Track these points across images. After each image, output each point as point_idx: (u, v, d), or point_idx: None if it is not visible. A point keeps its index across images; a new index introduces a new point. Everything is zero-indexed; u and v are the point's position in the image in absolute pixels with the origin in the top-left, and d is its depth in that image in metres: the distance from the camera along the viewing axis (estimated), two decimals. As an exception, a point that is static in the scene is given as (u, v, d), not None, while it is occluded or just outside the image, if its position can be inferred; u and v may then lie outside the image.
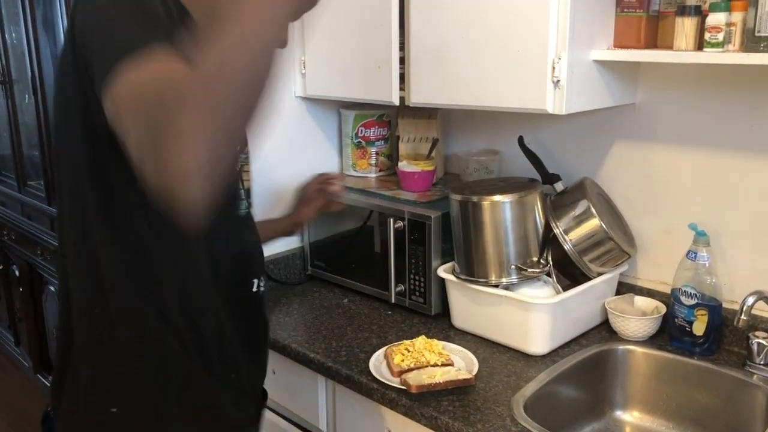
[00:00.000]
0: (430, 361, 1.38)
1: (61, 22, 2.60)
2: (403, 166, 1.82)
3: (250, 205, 1.18)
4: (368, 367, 1.41)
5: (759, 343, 1.38)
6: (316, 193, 1.62)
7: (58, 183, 1.00)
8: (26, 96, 3.11)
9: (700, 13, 1.30)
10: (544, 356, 1.46)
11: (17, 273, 3.26)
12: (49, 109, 2.94)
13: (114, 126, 0.78)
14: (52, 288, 2.95)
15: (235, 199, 1.07)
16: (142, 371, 0.98)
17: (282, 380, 1.63)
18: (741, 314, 1.33)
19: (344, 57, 1.75)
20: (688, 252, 1.46)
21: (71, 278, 0.99)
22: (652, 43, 1.41)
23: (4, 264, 3.42)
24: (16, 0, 2.92)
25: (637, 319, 1.51)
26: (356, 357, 1.47)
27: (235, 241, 1.07)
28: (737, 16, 1.25)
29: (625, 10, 1.41)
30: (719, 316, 1.45)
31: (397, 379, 1.35)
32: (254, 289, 1.11)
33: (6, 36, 3.17)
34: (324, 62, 1.79)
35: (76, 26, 0.88)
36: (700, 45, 1.30)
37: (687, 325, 1.46)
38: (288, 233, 1.67)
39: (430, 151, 1.85)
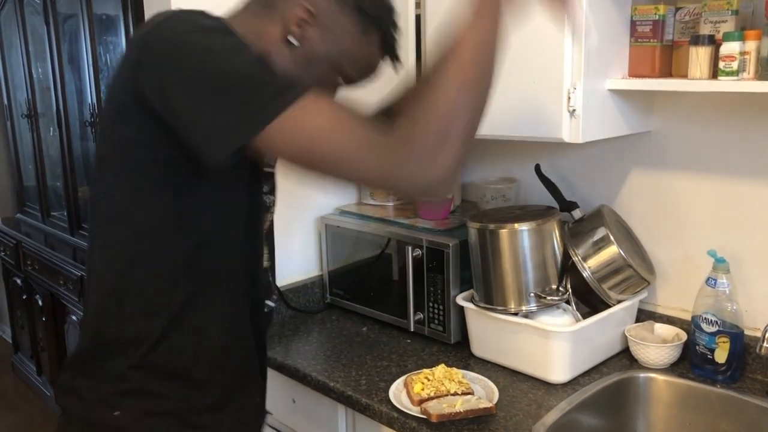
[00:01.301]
0: (450, 389, 1.38)
1: (86, 59, 2.67)
2: (421, 194, 1.84)
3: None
4: (388, 396, 1.41)
5: (782, 371, 1.36)
6: None
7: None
8: (51, 129, 3.18)
9: (713, 42, 1.31)
10: (564, 384, 1.46)
11: (40, 303, 3.30)
12: (74, 139, 3.00)
13: (298, 154, 0.86)
14: (74, 318, 2.98)
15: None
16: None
17: (302, 409, 1.64)
18: (763, 341, 1.32)
19: (363, 89, 1.78)
20: (708, 279, 1.46)
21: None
22: (667, 72, 1.43)
23: (28, 294, 3.46)
24: (43, 37, 3.01)
25: (657, 346, 1.50)
26: (376, 386, 1.47)
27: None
28: (751, 45, 1.26)
29: (639, 40, 1.43)
30: (741, 344, 1.44)
31: (417, 408, 1.35)
32: (265, 310, 1.14)
33: (33, 71, 3.26)
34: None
35: (146, 55, 0.88)
36: (714, 73, 1.32)
37: (709, 353, 1.45)
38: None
39: (448, 180, 1.86)
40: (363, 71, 1.06)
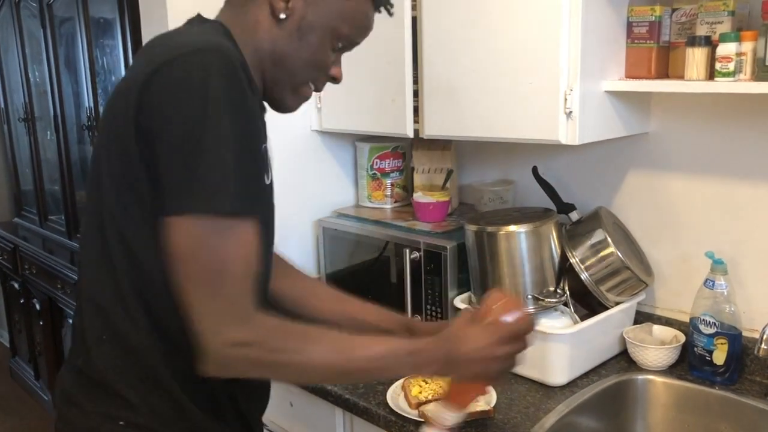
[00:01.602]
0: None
1: (83, 62, 2.67)
2: (418, 197, 1.83)
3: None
4: (386, 399, 1.41)
5: (781, 372, 1.36)
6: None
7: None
8: (48, 133, 3.18)
9: (710, 43, 1.31)
10: (562, 387, 1.45)
11: (38, 307, 3.30)
12: (71, 143, 2.99)
13: (167, 253, 0.88)
14: (71, 321, 2.97)
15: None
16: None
17: (300, 413, 1.63)
18: (761, 343, 1.31)
19: (359, 91, 1.78)
20: (706, 280, 1.45)
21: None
22: (664, 73, 1.43)
23: (25, 298, 3.46)
24: (40, 40, 3.00)
25: (656, 348, 1.50)
26: (374, 389, 1.47)
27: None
28: (747, 46, 1.26)
29: (636, 41, 1.42)
30: (739, 345, 1.44)
31: (415, 411, 1.34)
32: None
33: (29, 75, 3.25)
34: (339, 96, 1.82)
35: (153, 98, 0.87)
36: (711, 74, 1.31)
37: (707, 354, 1.45)
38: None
39: (445, 182, 1.86)
40: (358, 27, 1.04)
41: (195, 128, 0.85)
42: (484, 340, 0.99)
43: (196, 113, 0.85)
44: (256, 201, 0.92)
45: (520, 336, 1.01)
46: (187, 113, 0.85)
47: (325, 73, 1.06)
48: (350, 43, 1.06)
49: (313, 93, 1.08)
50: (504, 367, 1.02)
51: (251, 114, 0.91)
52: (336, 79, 1.07)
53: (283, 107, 1.07)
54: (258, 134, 0.94)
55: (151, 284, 0.94)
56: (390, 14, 1.08)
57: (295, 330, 0.95)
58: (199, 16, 1.03)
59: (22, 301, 3.50)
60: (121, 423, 0.97)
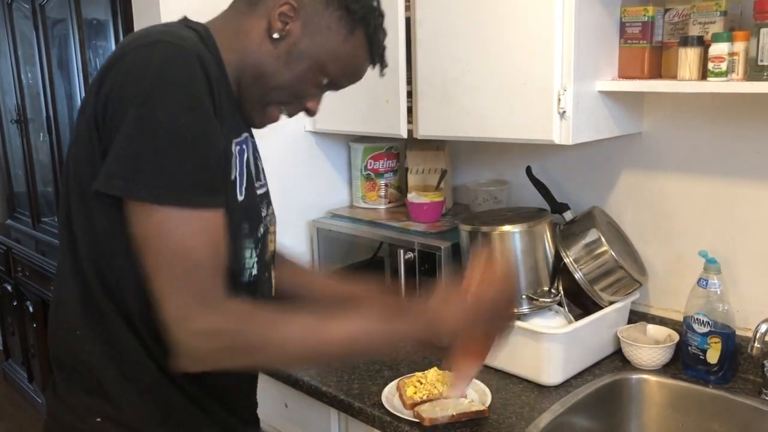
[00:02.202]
0: (443, 393, 1.37)
1: (76, 63, 2.66)
2: (413, 197, 1.84)
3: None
4: (381, 400, 1.41)
5: (774, 371, 1.37)
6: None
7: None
8: (41, 134, 3.16)
9: (702, 43, 1.32)
10: (557, 386, 1.46)
11: (31, 309, 3.28)
12: (64, 145, 2.99)
13: (131, 237, 0.88)
14: (65, 324, 2.96)
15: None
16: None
17: (294, 414, 1.63)
18: (754, 342, 1.32)
19: (353, 92, 1.76)
20: (699, 279, 1.46)
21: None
22: (657, 74, 1.43)
23: (18, 300, 3.44)
24: (32, 41, 2.99)
25: (650, 347, 1.51)
26: (368, 390, 1.47)
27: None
28: (739, 46, 1.26)
29: (629, 41, 1.43)
30: (733, 344, 1.44)
31: (410, 412, 1.34)
32: None
33: (22, 76, 3.24)
34: (333, 97, 1.80)
35: (105, 88, 0.88)
36: (703, 74, 1.32)
37: (701, 353, 1.45)
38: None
39: (439, 182, 1.86)
40: (347, 72, 1.05)
41: (140, 113, 0.85)
42: (465, 320, 0.98)
43: (141, 99, 0.85)
44: (200, 190, 0.89)
45: (502, 309, 1.01)
46: (132, 99, 0.86)
47: (300, 103, 1.05)
48: (335, 84, 1.06)
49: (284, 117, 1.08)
50: (494, 332, 1.02)
51: (199, 107, 0.89)
52: (310, 112, 1.07)
53: (249, 120, 1.05)
54: (208, 127, 0.90)
55: (120, 272, 0.93)
56: (381, 74, 1.09)
57: (267, 314, 0.94)
58: (185, 18, 1.03)
59: (15, 304, 3.48)
60: (98, 419, 0.97)
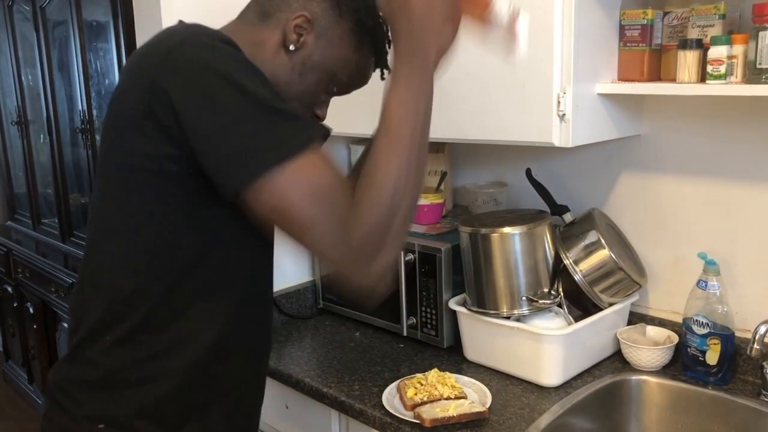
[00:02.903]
0: (444, 394, 1.38)
1: (76, 65, 2.67)
2: (413, 199, 1.84)
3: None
4: (381, 401, 1.41)
5: (773, 372, 1.37)
6: None
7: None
8: (41, 136, 3.17)
9: (701, 46, 1.32)
10: (557, 388, 1.46)
11: (31, 310, 3.29)
12: (64, 146, 2.99)
13: (262, 219, 0.89)
14: (65, 325, 2.96)
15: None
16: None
17: (295, 415, 1.63)
18: (753, 343, 1.32)
19: (354, 94, 1.78)
20: (699, 281, 1.46)
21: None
22: (656, 76, 1.44)
23: (19, 301, 3.45)
24: (33, 43, 3.00)
25: (649, 349, 1.51)
26: (369, 391, 1.47)
27: None
28: (738, 49, 1.27)
29: (628, 44, 1.43)
30: (732, 346, 1.45)
31: (411, 413, 1.35)
32: None
33: (22, 78, 3.24)
34: (334, 99, 1.82)
35: (162, 85, 0.87)
36: (702, 77, 1.32)
37: (700, 355, 1.46)
38: None
39: (439, 184, 1.87)
40: (355, 79, 1.09)
41: (218, 100, 0.85)
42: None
43: (216, 86, 0.86)
44: (303, 129, 0.90)
45: None
46: (205, 89, 0.86)
47: (309, 110, 1.08)
48: (344, 91, 1.10)
49: None
50: None
51: (263, 76, 0.91)
52: (319, 118, 1.10)
53: None
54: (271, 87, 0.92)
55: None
56: (382, 78, 1.10)
57: (366, 184, 0.91)
58: (180, 22, 1.02)
59: (15, 305, 3.48)
60: (100, 426, 0.98)
